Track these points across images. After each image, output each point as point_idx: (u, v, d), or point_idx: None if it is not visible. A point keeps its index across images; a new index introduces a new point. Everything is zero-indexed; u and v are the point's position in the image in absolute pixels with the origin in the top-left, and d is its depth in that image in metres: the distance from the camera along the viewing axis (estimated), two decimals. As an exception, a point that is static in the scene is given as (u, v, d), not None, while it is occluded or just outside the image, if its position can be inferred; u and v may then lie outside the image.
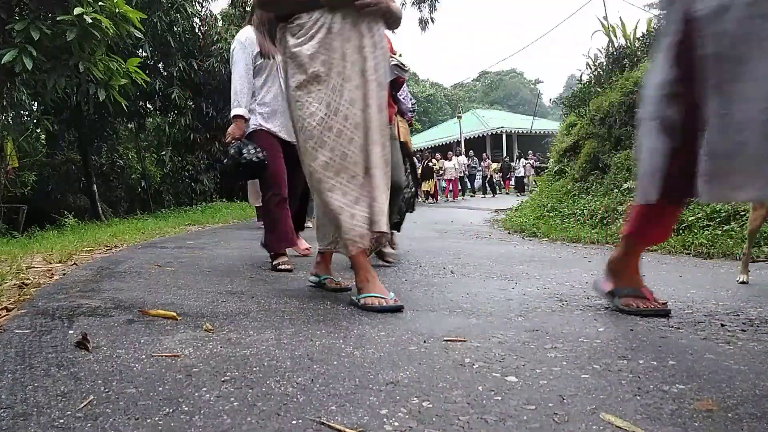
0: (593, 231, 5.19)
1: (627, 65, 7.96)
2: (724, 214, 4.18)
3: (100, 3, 5.92)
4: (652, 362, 1.49)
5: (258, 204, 7.61)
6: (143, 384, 1.34)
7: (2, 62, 5.57)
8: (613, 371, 1.42)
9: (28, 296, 2.55)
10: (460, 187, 22.09)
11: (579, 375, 1.39)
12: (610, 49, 8.79)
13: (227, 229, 7.88)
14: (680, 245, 4.03)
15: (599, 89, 8.49)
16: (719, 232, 3.99)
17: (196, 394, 1.28)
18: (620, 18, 8.80)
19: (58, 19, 5.72)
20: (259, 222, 7.25)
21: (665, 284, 2.77)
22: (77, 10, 5.60)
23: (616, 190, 5.92)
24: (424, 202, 17.39)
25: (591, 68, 9.30)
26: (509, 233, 6.29)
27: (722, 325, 1.91)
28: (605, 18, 8.89)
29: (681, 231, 4.33)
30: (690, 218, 4.40)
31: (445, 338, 1.75)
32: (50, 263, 3.79)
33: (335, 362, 1.51)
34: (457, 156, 21.60)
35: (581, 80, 10.16)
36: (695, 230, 4.23)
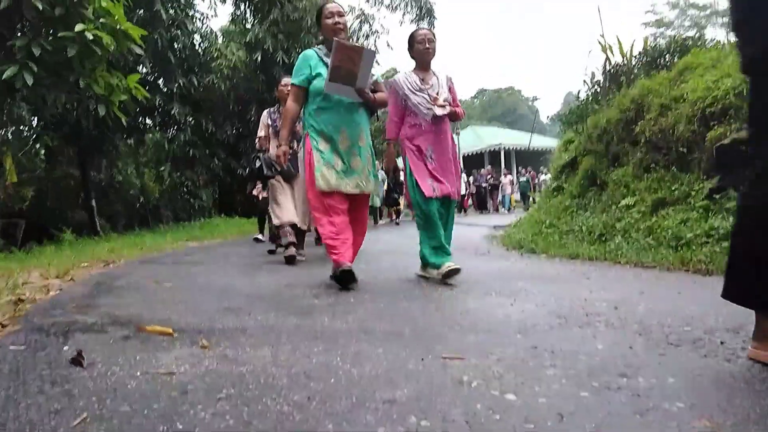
0: (592, 248, 5.17)
1: (624, 82, 8.01)
2: (722, 231, 4.18)
3: (101, 20, 5.97)
4: (651, 380, 1.48)
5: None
6: (138, 401, 1.33)
7: (3, 78, 5.60)
8: (613, 389, 1.41)
9: (23, 312, 2.54)
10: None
11: (578, 393, 1.38)
12: (607, 66, 8.87)
13: (225, 245, 7.86)
14: (678, 262, 4.01)
15: (596, 106, 8.54)
16: (718, 249, 3.98)
17: (192, 411, 1.26)
18: (617, 36, 8.89)
19: (59, 35, 5.77)
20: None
21: (664, 301, 2.76)
22: (78, 27, 5.64)
23: (614, 207, 5.91)
24: (391, 221, 13.86)
25: (588, 85, 9.38)
26: (507, 249, 6.27)
27: (722, 343, 1.89)
28: (602, 36, 8.95)
29: (679, 248, 4.33)
30: (689, 235, 4.39)
31: (443, 355, 1.74)
32: (47, 279, 3.77)
33: (332, 380, 1.50)
34: None
35: (579, 97, 10.23)
36: (693, 247, 4.22)
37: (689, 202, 4.92)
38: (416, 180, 3.57)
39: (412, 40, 3.73)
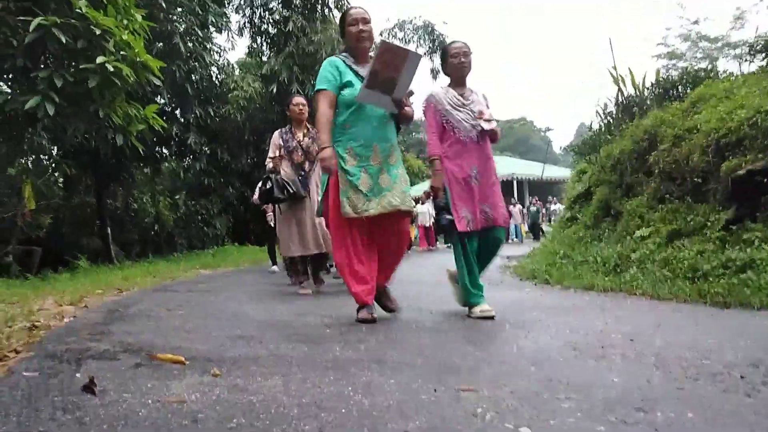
0: (606, 279, 5.11)
1: (636, 113, 8.04)
2: (739, 263, 4.12)
3: (122, 53, 6.13)
4: (669, 414, 1.44)
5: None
6: (148, 430, 1.32)
7: (26, 108, 5.74)
8: (630, 423, 1.37)
9: (37, 338, 2.55)
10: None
11: (594, 427, 1.35)
12: (620, 98, 8.92)
13: (237, 273, 7.88)
14: (696, 294, 3.95)
15: (609, 137, 8.55)
16: (735, 281, 3.91)
17: (201, 441, 1.25)
18: (629, 68, 8.96)
19: (81, 67, 5.92)
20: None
21: (681, 333, 2.71)
22: (100, 59, 5.80)
23: (629, 238, 5.85)
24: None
25: (601, 116, 9.41)
26: (521, 280, 6.22)
27: (742, 377, 1.85)
28: (614, 68, 9.02)
29: (696, 279, 4.26)
30: (705, 267, 4.32)
31: (456, 387, 1.72)
32: (61, 305, 3.80)
33: (343, 410, 1.48)
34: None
35: (591, 128, 10.26)
36: (711, 279, 4.15)
37: (705, 233, 4.86)
38: (452, 208, 3.33)
39: (446, 54, 3.48)
